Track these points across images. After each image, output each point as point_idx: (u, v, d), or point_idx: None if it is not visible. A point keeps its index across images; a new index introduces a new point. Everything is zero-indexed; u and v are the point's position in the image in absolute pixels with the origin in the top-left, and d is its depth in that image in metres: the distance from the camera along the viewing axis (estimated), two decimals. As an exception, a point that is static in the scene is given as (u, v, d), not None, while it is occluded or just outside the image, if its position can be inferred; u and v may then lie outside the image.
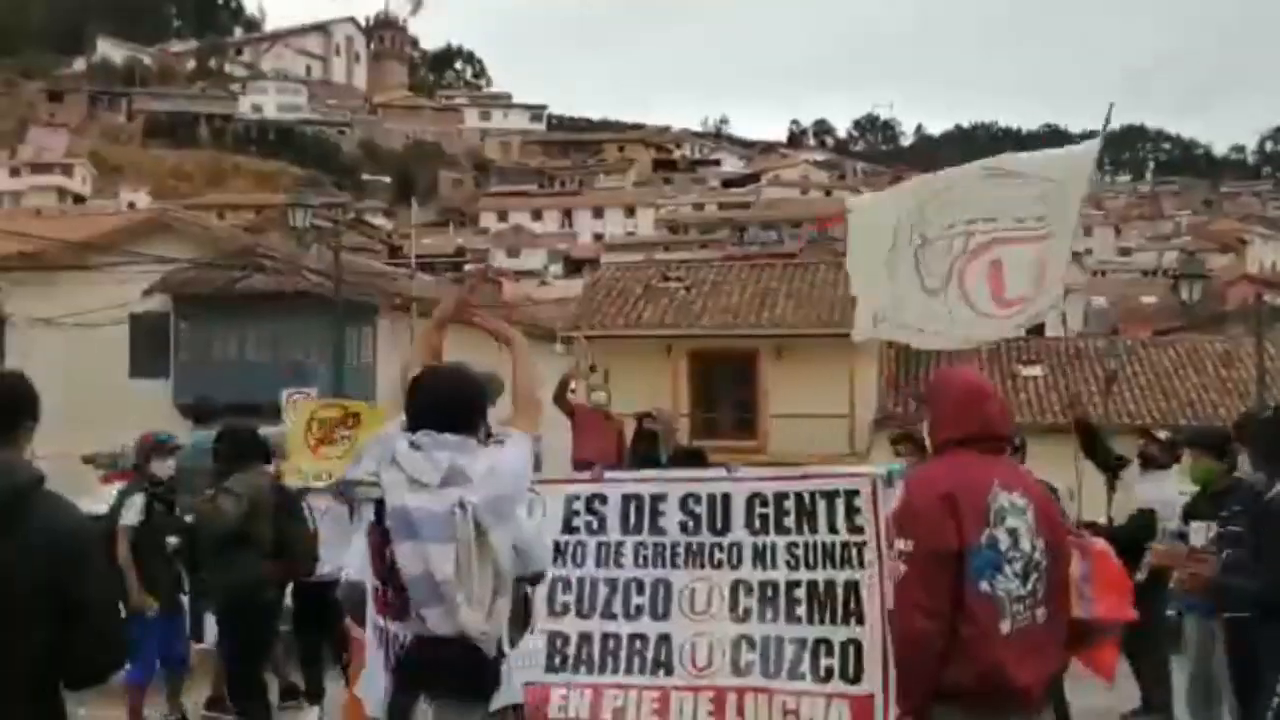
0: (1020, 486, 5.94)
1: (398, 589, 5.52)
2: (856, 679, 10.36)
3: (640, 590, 11.18)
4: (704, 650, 10.91)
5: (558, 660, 11.11)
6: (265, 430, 14.08)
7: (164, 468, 12.92)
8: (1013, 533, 5.75)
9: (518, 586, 6.89)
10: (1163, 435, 14.61)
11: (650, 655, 11.01)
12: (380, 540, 5.57)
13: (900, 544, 5.74)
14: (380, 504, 5.56)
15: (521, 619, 7.27)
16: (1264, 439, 8.01)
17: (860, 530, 10.48)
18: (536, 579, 7.22)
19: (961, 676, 5.59)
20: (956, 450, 5.94)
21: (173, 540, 12.49)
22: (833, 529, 10.64)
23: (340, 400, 16.57)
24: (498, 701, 5.72)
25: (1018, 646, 5.68)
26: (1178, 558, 8.79)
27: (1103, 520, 14.21)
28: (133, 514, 12.54)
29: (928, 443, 6.38)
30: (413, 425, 5.73)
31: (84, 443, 23.64)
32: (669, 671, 10.93)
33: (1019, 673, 5.66)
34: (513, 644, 7.35)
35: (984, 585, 5.65)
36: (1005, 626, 5.67)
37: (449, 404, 5.75)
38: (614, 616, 11.17)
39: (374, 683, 5.77)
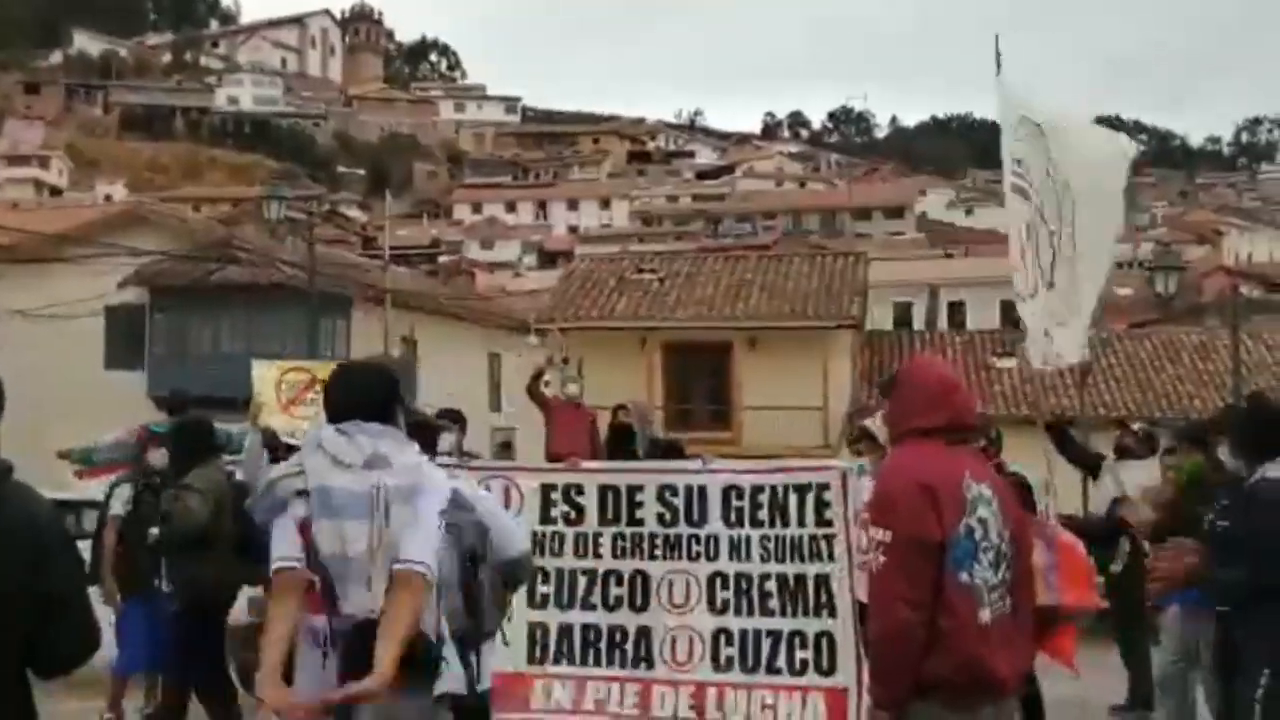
0: (986, 477, 5.94)
1: (327, 583, 5.53)
2: (830, 671, 10.43)
3: (619, 581, 11.22)
4: (684, 644, 10.97)
5: (539, 651, 11.15)
6: (240, 427, 14.06)
7: (159, 457, 12.93)
8: (984, 522, 5.73)
9: (492, 573, 7.01)
10: (1137, 427, 14.67)
11: (630, 648, 11.07)
12: (306, 534, 5.57)
13: (877, 534, 5.66)
14: (306, 495, 5.57)
15: (501, 604, 7.37)
16: (1238, 428, 8.01)
17: (830, 524, 10.51)
18: (519, 563, 7.31)
19: (940, 669, 5.55)
20: (921, 440, 5.90)
21: (154, 531, 12.41)
22: (802, 522, 10.68)
23: (307, 364, 16.52)
24: (437, 688, 5.72)
25: (995, 637, 5.66)
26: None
27: (1078, 514, 14.30)
28: (119, 503, 12.54)
29: (885, 431, 6.36)
30: (332, 420, 5.77)
31: (58, 434, 23.54)
32: (650, 665, 11.01)
33: (998, 664, 5.65)
34: (491, 632, 7.45)
35: (964, 576, 5.62)
36: (985, 616, 5.65)
37: (365, 399, 5.80)
38: (593, 608, 11.22)
39: (310, 685, 5.74)
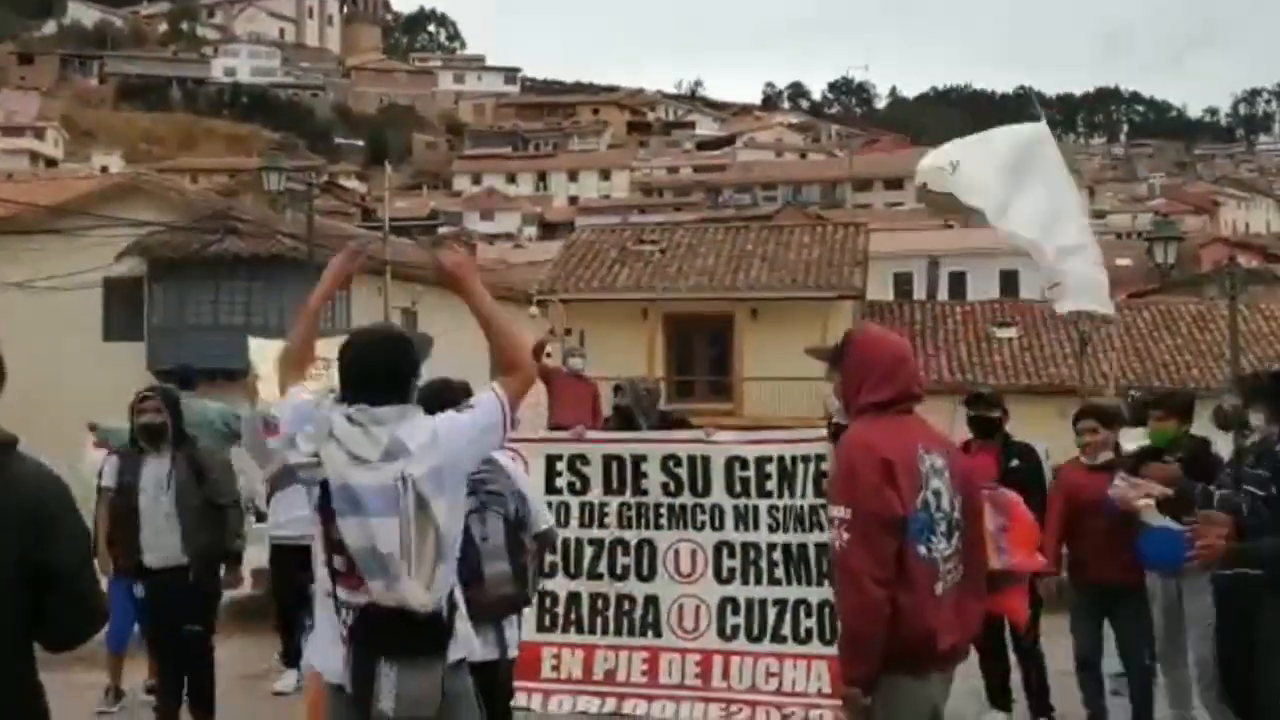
0: (937, 446, 5.95)
1: (349, 560, 5.49)
2: (833, 640, 10.41)
3: (625, 551, 11.26)
4: (691, 613, 11.01)
5: (548, 620, 11.19)
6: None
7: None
8: (938, 494, 5.77)
9: (530, 542, 7.35)
10: (1132, 395, 14.70)
11: (638, 616, 11.13)
12: (326, 518, 5.53)
13: (838, 512, 5.65)
14: (324, 483, 5.53)
15: (537, 575, 7.63)
16: (1273, 396, 7.96)
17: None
18: (548, 535, 7.68)
19: (900, 644, 5.56)
20: (876, 414, 5.88)
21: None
22: (804, 492, 10.71)
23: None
24: (454, 653, 5.68)
25: (947, 607, 5.72)
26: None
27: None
28: (108, 476, 12.45)
29: (840, 403, 6.30)
30: (346, 396, 5.70)
31: (58, 406, 23.52)
32: (657, 634, 11.06)
33: (947, 634, 5.69)
34: (529, 600, 7.70)
35: (922, 549, 5.64)
36: (939, 589, 5.69)
37: (380, 371, 5.71)
38: (600, 577, 11.27)
39: (326, 648, 5.72)
